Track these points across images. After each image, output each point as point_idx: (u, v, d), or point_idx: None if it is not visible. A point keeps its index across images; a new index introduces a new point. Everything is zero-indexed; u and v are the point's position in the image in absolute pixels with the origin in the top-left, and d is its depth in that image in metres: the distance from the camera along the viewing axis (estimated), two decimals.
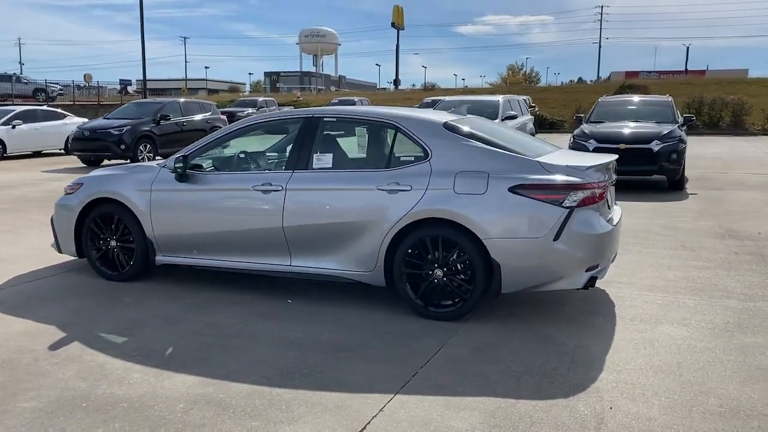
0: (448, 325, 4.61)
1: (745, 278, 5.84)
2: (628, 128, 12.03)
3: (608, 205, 4.92)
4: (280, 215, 5.06)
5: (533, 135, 15.88)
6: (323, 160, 5.11)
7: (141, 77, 43.48)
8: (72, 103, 39.70)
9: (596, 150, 11.55)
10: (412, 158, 4.90)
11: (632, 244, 7.22)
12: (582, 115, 13.64)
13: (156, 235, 5.54)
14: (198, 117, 17.79)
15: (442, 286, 4.68)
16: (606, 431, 3.16)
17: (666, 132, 11.55)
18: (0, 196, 11.09)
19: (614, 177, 5.25)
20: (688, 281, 5.75)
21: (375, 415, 3.31)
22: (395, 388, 3.61)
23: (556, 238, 4.42)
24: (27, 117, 19.04)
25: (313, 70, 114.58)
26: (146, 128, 16.23)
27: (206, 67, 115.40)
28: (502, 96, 14.98)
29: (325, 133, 5.25)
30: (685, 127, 12.68)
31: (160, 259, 5.60)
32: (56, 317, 4.80)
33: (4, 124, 18.31)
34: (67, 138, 17.96)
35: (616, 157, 5.21)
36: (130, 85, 79.83)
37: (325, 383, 3.68)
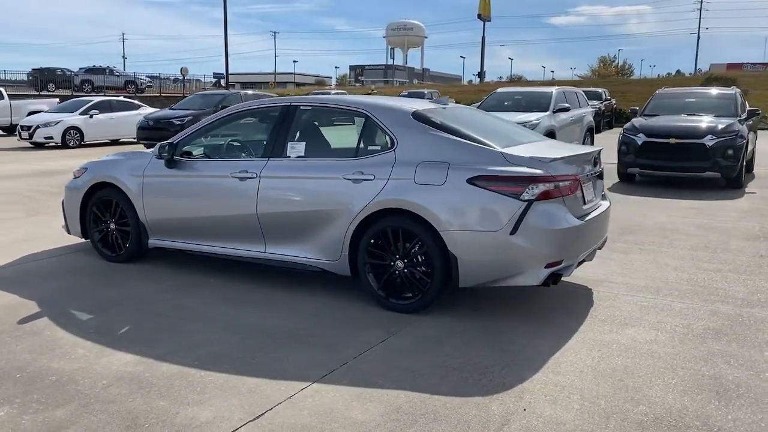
0: (405, 317, 4.54)
1: (756, 283, 5.44)
2: (681, 122, 11.38)
3: (584, 199, 4.69)
4: (254, 202, 5.12)
5: (591, 129, 15.40)
6: (297, 148, 5.13)
7: (235, 71, 44.96)
8: (158, 94, 41.54)
9: (645, 144, 11.05)
10: (379, 147, 4.84)
11: (651, 242, 6.86)
12: (637, 108, 13.02)
13: (147, 219, 5.74)
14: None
15: (404, 278, 4.60)
16: None
17: (723, 126, 10.85)
18: (59, 180, 11.78)
19: (598, 169, 5.00)
20: (689, 283, 5.41)
21: (281, 402, 3.30)
22: (317, 377, 3.59)
23: (513, 231, 4.26)
24: (103, 107, 20.30)
25: (399, 63, 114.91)
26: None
27: (294, 61, 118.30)
28: (556, 88, 14.54)
29: (300, 121, 5.27)
30: (750, 122, 11.88)
31: (152, 242, 5.80)
32: (41, 294, 5.06)
33: (82, 113, 19.49)
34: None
35: (597, 149, 4.96)
36: (223, 78, 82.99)
37: (251, 368, 3.71)
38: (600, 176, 5.15)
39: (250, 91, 19.82)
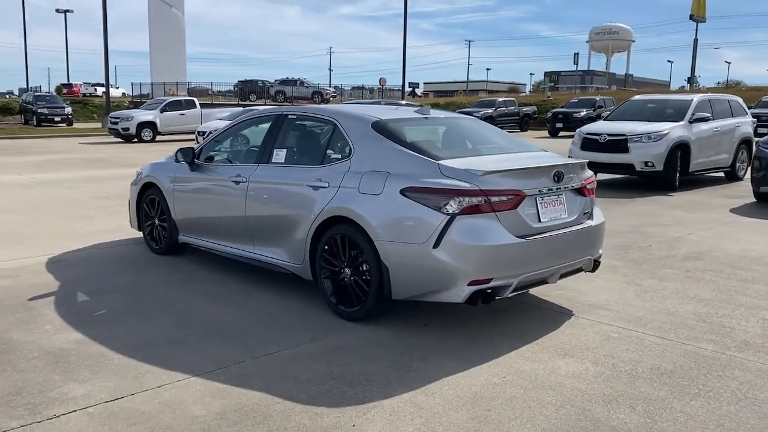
0: (340, 325, 4.58)
1: None
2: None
3: (538, 216, 4.38)
4: (243, 205, 5.46)
5: (748, 141, 13.65)
6: (279, 155, 5.37)
7: (430, 80, 46.51)
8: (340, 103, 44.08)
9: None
10: (340, 156, 4.92)
11: (708, 271, 6.16)
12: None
13: (176, 217, 6.33)
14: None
15: (351, 287, 4.64)
16: None
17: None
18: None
19: (573, 184, 4.63)
20: (695, 318, 4.78)
21: (146, 390, 3.56)
22: (201, 371, 3.79)
23: (436, 245, 4.13)
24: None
25: (599, 68, 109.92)
26: None
27: (488, 69, 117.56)
28: (701, 96, 13.17)
29: (287, 129, 5.50)
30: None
31: (180, 238, 6.39)
32: (71, 276, 5.83)
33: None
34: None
35: (560, 161, 4.59)
36: (418, 87, 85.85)
37: (157, 357, 4.00)
38: (581, 192, 4.74)
39: (402, 102, 20.32)
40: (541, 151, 5.20)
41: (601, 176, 13.21)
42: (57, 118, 34.93)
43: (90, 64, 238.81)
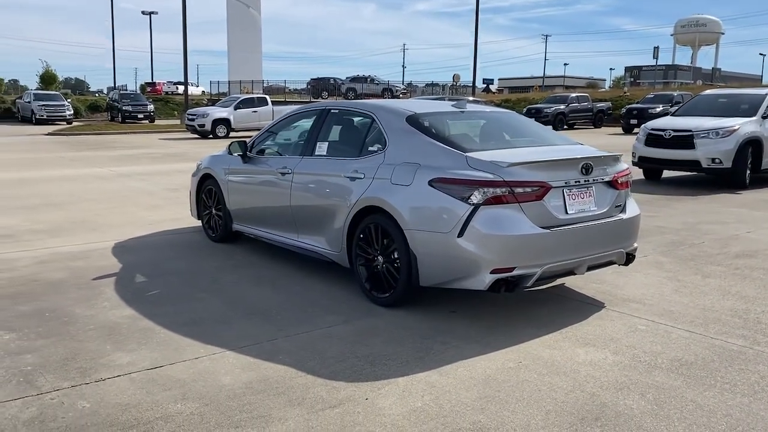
0: (372, 310, 4.79)
1: None
2: None
3: (565, 208, 4.45)
4: (288, 195, 5.76)
5: None
6: (322, 147, 5.63)
7: (506, 76, 46.28)
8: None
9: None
10: (376, 149, 5.12)
11: (759, 269, 5.98)
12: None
13: (230, 207, 6.71)
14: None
15: (384, 274, 4.85)
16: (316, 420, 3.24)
17: None
18: None
19: (604, 176, 4.67)
20: (730, 314, 4.73)
21: (184, 361, 3.87)
22: (237, 346, 4.08)
23: (461, 234, 4.27)
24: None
25: (688, 63, 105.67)
26: None
27: (565, 64, 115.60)
28: None
29: (330, 123, 5.75)
30: None
31: (234, 226, 6.75)
32: (134, 260, 6.29)
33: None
34: None
35: (589, 154, 4.63)
36: (492, 83, 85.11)
37: (198, 332, 4.33)
38: (613, 185, 4.77)
39: (470, 98, 20.37)
40: (578, 144, 5.24)
41: (668, 173, 12.89)
42: (140, 115, 36.69)
43: (174, 64, 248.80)
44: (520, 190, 4.25)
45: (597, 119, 34.01)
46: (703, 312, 4.78)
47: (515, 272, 4.26)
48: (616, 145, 20.28)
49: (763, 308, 4.86)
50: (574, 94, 34.80)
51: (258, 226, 6.33)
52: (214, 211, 7.07)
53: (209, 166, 7.08)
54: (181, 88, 58.44)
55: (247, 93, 37.69)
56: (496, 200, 4.22)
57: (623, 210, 4.85)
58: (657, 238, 7.36)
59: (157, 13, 63.56)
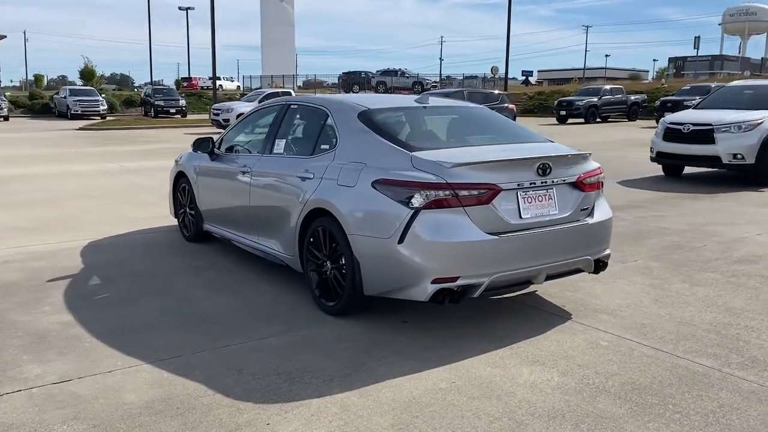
0: (320, 319, 4.50)
1: None
2: None
3: (519, 212, 4.08)
4: (248, 195, 5.49)
5: None
6: (280, 145, 5.34)
7: (546, 68, 45.45)
8: None
9: None
10: (328, 146, 4.81)
11: (759, 276, 5.49)
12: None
13: (200, 206, 6.48)
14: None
15: (332, 281, 4.55)
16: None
17: None
18: None
19: (565, 177, 4.27)
20: (708, 329, 4.29)
21: (96, 374, 3.65)
22: (155, 359, 3.84)
23: (401, 240, 3.94)
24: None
25: (736, 53, 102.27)
26: None
27: (606, 55, 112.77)
28: None
29: (290, 120, 5.45)
30: None
31: (204, 226, 6.53)
32: (100, 260, 6.12)
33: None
34: None
35: (541, 154, 4.23)
36: (531, 75, 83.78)
37: (127, 343, 4.09)
38: (578, 186, 4.36)
39: (496, 91, 19.87)
40: (549, 143, 4.84)
41: (689, 169, 12.26)
42: (172, 110, 37.02)
43: (217, 58, 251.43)
44: (464, 192, 3.90)
45: (631, 112, 32.99)
46: (679, 326, 4.35)
47: (459, 282, 3.91)
48: (641, 139, 19.53)
49: (748, 323, 4.41)
50: (607, 86, 33.80)
51: (224, 226, 6.09)
52: (187, 210, 6.86)
53: (183, 163, 6.88)
54: (217, 83, 59.03)
55: (276, 87, 37.74)
56: (438, 204, 3.87)
57: (590, 214, 4.44)
58: (655, 240, 6.89)
59: (193, 8, 64.11)
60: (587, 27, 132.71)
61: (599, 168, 4.58)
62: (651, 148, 12.02)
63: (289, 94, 27.52)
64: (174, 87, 50.06)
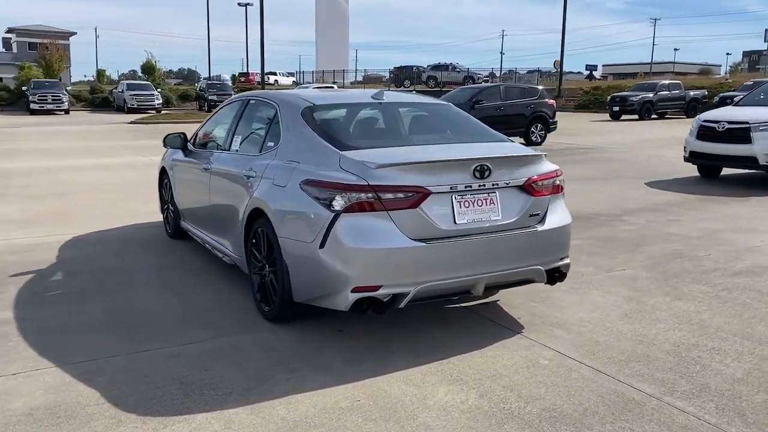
0: (260, 325, 4.32)
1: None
2: None
3: (454, 217, 3.77)
4: (208, 192, 5.35)
5: None
6: (237, 142, 5.17)
7: (613, 62, 44.25)
8: None
9: None
10: (273, 144, 4.60)
11: (748, 289, 5.01)
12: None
13: (177, 203, 6.39)
14: (519, 101, 17.76)
15: (268, 285, 4.35)
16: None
17: None
18: None
19: (511, 180, 3.94)
20: (668, 350, 3.89)
21: (5, 375, 3.57)
22: (68, 362, 3.72)
23: (322, 245, 3.70)
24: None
25: None
26: None
27: (675, 49, 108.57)
28: None
29: (248, 115, 5.27)
30: None
31: (182, 223, 6.43)
32: (73, 255, 6.10)
33: None
34: None
35: (481, 155, 3.90)
36: (596, 70, 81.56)
37: (51, 342, 4.00)
38: (527, 190, 4.02)
39: (505, 84, 19.28)
40: (507, 143, 4.50)
41: (728, 171, 11.51)
42: None
43: (278, 54, 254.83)
44: (389, 195, 3.62)
45: (690, 108, 31.48)
46: (637, 345, 3.96)
47: (381, 291, 3.64)
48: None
49: (717, 344, 3.97)
50: (664, 81, 32.36)
51: (194, 224, 5.98)
52: (169, 207, 6.79)
53: (166, 158, 6.81)
54: (272, 78, 59.86)
55: (322, 83, 37.85)
56: (360, 207, 3.61)
57: (542, 220, 4.08)
58: (656, 247, 6.41)
59: (251, 4, 65.01)
60: (655, 20, 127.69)
61: (556, 171, 4.22)
62: (684, 147, 11.34)
63: (333, 88, 27.48)
64: (228, 82, 50.90)
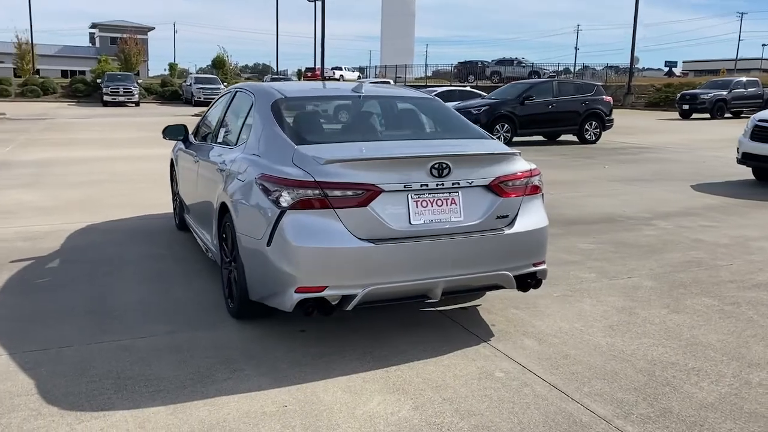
0: (224, 321, 4.24)
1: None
2: None
3: (409, 218, 3.58)
4: (196, 185, 5.33)
5: None
6: (221, 134, 5.12)
7: (694, 58, 42.54)
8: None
9: None
10: (246, 137, 4.50)
11: (746, 303, 4.60)
12: None
13: (181, 195, 6.42)
14: (572, 98, 17.16)
15: (232, 281, 4.26)
16: None
17: None
18: None
19: (452, 179, 3.67)
20: (642, 368, 3.58)
21: None
22: (21, 350, 3.74)
23: (269, 243, 3.58)
24: (445, 97, 21.61)
25: None
26: (507, 109, 16.58)
27: (763, 45, 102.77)
28: None
29: (234, 107, 5.19)
30: None
31: (185, 215, 6.45)
32: (77, 244, 6.21)
33: None
34: None
35: (441, 152, 3.67)
36: (675, 66, 78.54)
37: (15, 331, 4.04)
38: (495, 191, 3.77)
39: (557, 80, 18.57)
40: (483, 140, 4.25)
41: None
42: None
43: (348, 49, 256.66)
44: (337, 193, 3.46)
45: None
46: (608, 361, 3.66)
47: (326, 293, 3.48)
48: None
49: (699, 364, 3.63)
50: (740, 78, 30.61)
51: (190, 216, 5.98)
52: (177, 198, 6.82)
53: (174, 149, 6.84)
54: (337, 73, 60.35)
55: (382, 78, 37.78)
56: (306, 204, 3.47)
57: (511, 222, 3.82)
58: (676, 254, 5.99)
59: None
60: (742, 14, 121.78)
61: (530, 170, 3.94)
62: (737, 148, 10.64)
63: (389, 84, 27.33)
64: (290, 77, 51.61)
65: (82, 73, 58.30)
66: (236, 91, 5.25)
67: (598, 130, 17.59)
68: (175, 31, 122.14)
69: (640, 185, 10.26)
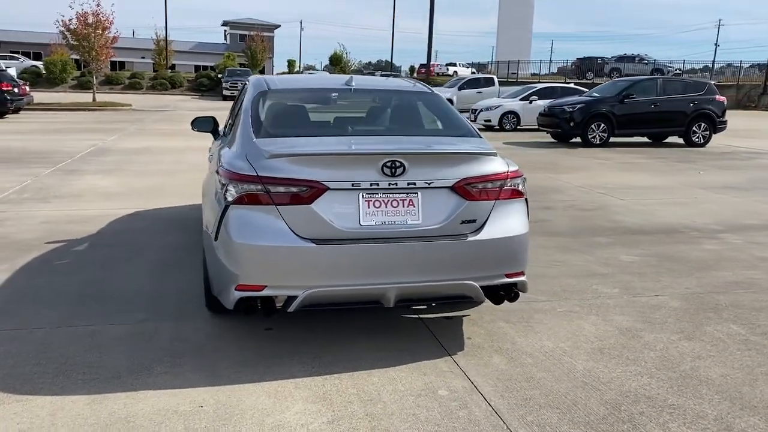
0: (203, 315, 4.23)
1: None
2: None
3: (359, 218, 3.37)
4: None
5: None
6: (229, 125, 5.11)
7: None
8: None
9: None
10: (230, 129, 4.44)
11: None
12: None
13: None
14: (678, 97, 15.93)
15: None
16: None
17: None
18: None
19: (407, 179, 3.40)
20: (616, 401, 3.18)
21: None
22: (2, 329, 3.92)
23: (216, 237, 3.50)
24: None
25: None
26: (604, 107, 15.66)
27: None
28: None
29: (241, 98, 5.13)
30: None
31: None
32: (116, 228, 6.48)
33: (522, 99, 20.51)
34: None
35: (396, 149, 3.39)
36: None
37: (17, 308, 4.25)
38: (460, 192, 3.47)
39: (662, 78, 17.18)
40: (472, 138, 3.93)
41: None
42: None
43: (468, 45, 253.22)
44: (280, 189, 3.31)
45: None
46: (575, 389, 3.27)
47: (265, 292, 3.34)
48: None
49: (680, 401, 3.16)
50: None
51: None
52: None
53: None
54: (451, 69, 59.92)
55: (485, 73, 36.97)
56: (249, 199, 3.35)
57: (479, 228, 3.49)
58: (726, 273, 5.35)
59: None
60: None
61: (506, 172, 3.59)
62: None
63: (492, 80, 26.72)
64: (401, 73, 51.73)
65: (214, 68, 61.56)
66: (245, 84, 5.22)
67: (708, 132, 16.22)
68: (301, 29, 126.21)
69: (731, 194, 9.32)
